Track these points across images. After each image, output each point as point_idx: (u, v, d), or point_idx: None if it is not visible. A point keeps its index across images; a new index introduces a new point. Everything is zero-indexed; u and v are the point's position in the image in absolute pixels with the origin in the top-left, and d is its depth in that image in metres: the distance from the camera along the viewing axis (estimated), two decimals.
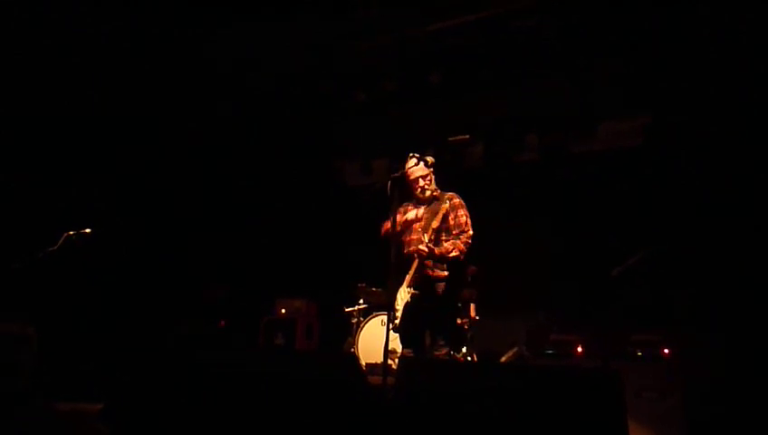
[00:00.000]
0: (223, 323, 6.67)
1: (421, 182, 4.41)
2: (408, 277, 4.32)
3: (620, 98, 5.99)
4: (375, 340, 5.79)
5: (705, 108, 5.44)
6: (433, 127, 6.60)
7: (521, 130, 6.52)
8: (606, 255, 5.88)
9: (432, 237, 4.25)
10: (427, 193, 4.40)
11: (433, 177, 4.45)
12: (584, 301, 5.99)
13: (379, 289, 6.19)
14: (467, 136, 6.54)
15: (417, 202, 4.48)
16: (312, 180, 7.53)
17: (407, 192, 4.49)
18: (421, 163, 4.41)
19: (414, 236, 4.40)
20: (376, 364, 5.50)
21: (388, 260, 3.91)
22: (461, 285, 5.16)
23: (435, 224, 4.18)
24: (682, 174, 5.66)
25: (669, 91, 5.64)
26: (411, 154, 4.36)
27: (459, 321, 5.51)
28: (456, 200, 4.33)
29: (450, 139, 6.53)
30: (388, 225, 4.20)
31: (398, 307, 4.30)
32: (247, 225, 7.35)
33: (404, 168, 4.27)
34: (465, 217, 4.33)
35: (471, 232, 4.30)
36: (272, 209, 7.43)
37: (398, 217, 4.35)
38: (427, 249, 4.20)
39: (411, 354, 4.26)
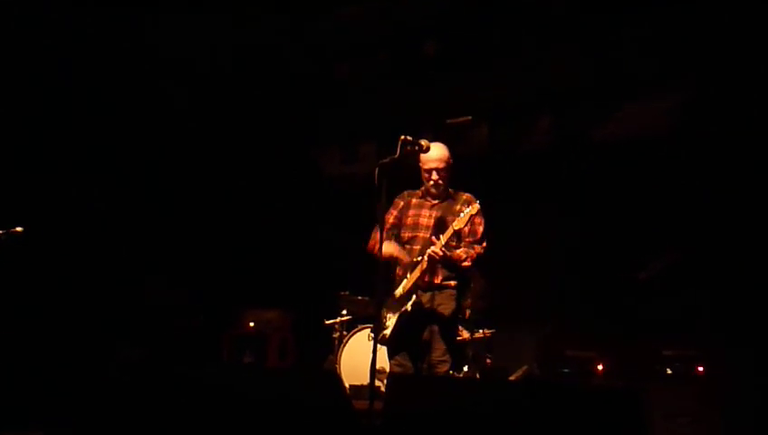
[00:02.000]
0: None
1: (436, 175, 4.43)
2: (407, 282, 4.33)
3: (649, 73, 6.06)
4: (361, 358, 5.79)
5: (749, 85, 5.47)
6: (428, 106, 6.67)
7: (532, 110, 6.59)
8: (630, 257, 6.15)
9: (452, 243, 4.30)
10: (440, 189, 4.44)
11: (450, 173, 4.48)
12: (605, 311, 6.10)
13: (366, 298, 6.27)
14: (469, 117, 6.55)
15: (425, 196, 4.51)
16: (284, 170, 7.61)
17: (408, 182, 4.56)
18: (442, 151, 4.43)
19: (419, 234, 4.43)
20: (362, 386, 5.55)
21: (376, 263, 3.92)
22: (465, 296, 5.19)
23: (457, 225, 4.19)
24: (720, 164, 5.72)
25: (708, 66, 5.67)
26: (403, 137, 4.27)
27: (461, 336, 5.55)
28: (477, 205, 4.33)
29: (449, 121, 6.53)
30: (376, 238, 4.21)
31: (389, 316, 4.34)
32: (206, 222, 7.41)
33: (399, 152, 4.18)
34: (482, 227, 4.40)
35: (486, 244, 4.38)
36: (236, 204, 7.50)
37: (398, 205, 4.41)
38: (441, 253, 4.20)
39: (400, 367, 4.31)
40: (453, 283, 4.34)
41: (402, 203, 4.53)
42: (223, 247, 7.36)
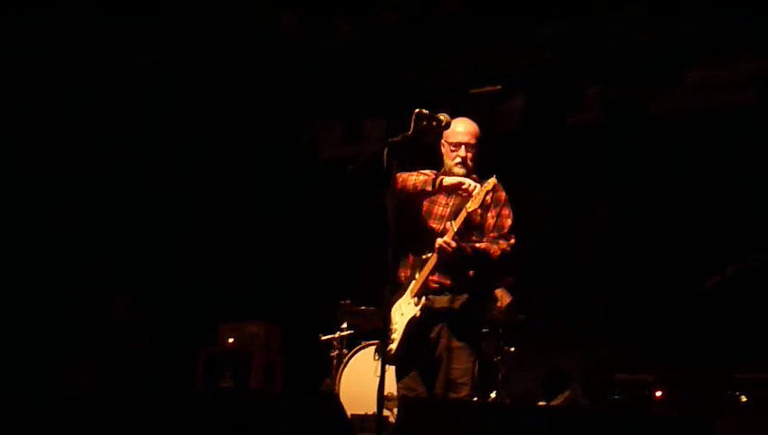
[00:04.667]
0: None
1: (464, 151, 4.46)
2: (416, 283, 4.36)
3: (721, 33, 6.16)
4: (365, 381, 5.77)
5: None
6: (450, 73, 6.75)
7: (577, 78, 6.63)
8: (696, 260, 6.23)
9: (461, 228, 4.32)
10: (468, 170, 4.46)
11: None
12: (664, 326, 6.15)
13: (371, 308, 6.24)
14: (499, 87, 6.63)
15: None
16: (272, 152, 7.75)
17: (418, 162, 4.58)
18: (472, 125, 4.49)
19: (434, 224, 4.50)
20: (366, 417, 5.58)
21: (386, 262, 3.90)
22: (489, 301, 5.33)
23: (471, 206, 4.22)
24: None
25: None
26: (418, 111, 4.30)
27: (487, 350, 5.60)
28: (503, 193, 4.41)
29: (474, 90, 6.60)
30: (407, 178, 4.35)
31: (395, 327, 4.36)
32: (177, 215, 7.54)
33: (413, 128, 4.21)
34: (510, 220, 4.46)
35: (514, 241, 4.41)
36: (214, 194, 7.63)
37: (414, 179, 4.44)
38: (454, 244, 4.25)
39: (410, 392, 4.34)
40: (470, 286, 4.39)
41: (418, 176, 4.53)
42: (198, 247, 7.49)
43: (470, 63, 6.72)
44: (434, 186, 4.34)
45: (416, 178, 4.41)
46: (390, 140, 4.03)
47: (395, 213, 4.03)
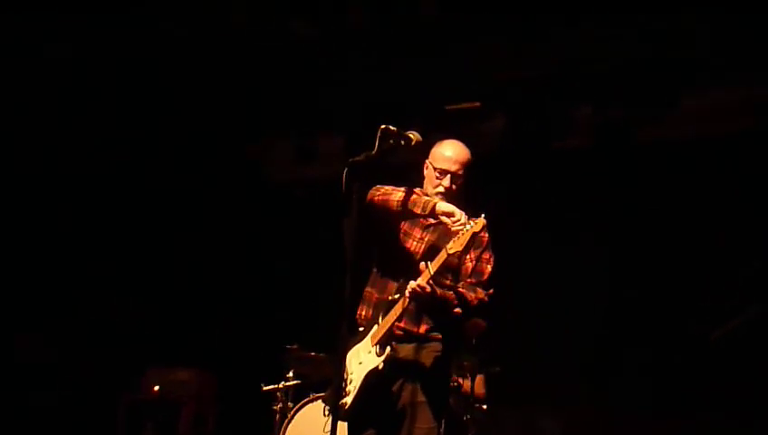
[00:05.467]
0: None
1: (448, 181, 4.36)
2: (379, 329, 4.24)
3: (722, 55, 6.16)
4: None
5: None
6: (423, 86, 6.63)
7: (566, 98, 6.56)
8: (698, 307, 6.21)
9: (446, 280, 4.26)
10: (451, 201, 4.32)
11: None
12: (658, 380, 6.12)
13: (322, 354, 6.05)
14: (477, 103, 6.55)
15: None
16: (211, 173, 7.67)
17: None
18: (463, 151, 4.40)
19: (404, 263, 4.36)
20: None
21: (342, 298, 3.76)
22: (460, 350, 5.32)
23: (453, 248, 4.07)
24: None
25: None
26: (384, 127, 4.19)
27: (456, 407, 5.51)
28: (486, 234, 4.31)
29: (450, 107, 6.54)
30: (388, 192, 4.31)
31: (351, 377, 4.29)
32: (95, 246, 7.42)
33: (378, 147, 4.13)
34: (491, 267, 4.38)
35: (493, 291, 4.35)
36: (140, 221, 7.55)
37: (400, 196, 4.33)
38: (429, 289, 4.10)
39: None
40: (440, 335, 4.30)
41: (401, 195, 4.39)
42: (119, 282, 7.41)
43: (445, 75, 6.63)
44: (424, 209, 4.22)
45: (401, 195, 4.32)
46: (351, 160, 3.92)
47: (354, 241, 3.91)
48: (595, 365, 6.32)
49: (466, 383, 5.68)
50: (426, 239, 4.41)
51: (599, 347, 6.34)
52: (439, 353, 4.29)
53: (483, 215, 4.10)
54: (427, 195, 4.39)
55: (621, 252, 6.56)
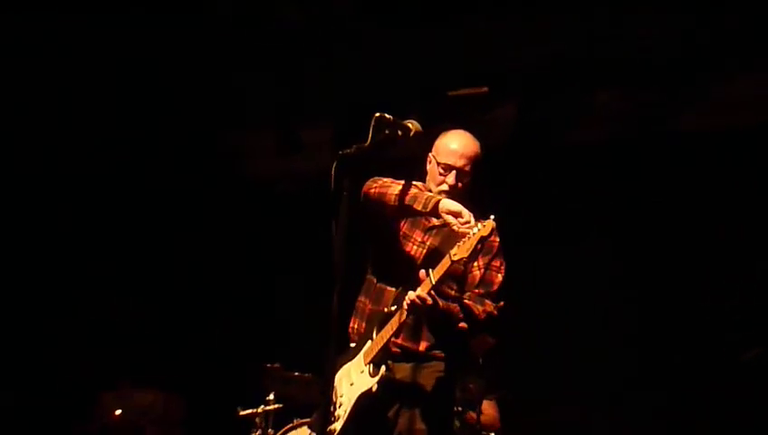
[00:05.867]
0: None
1: (453, 178, 4.23)
2: (373, 346, 4.12)
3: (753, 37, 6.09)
4: None
5: None
6: (419, 68, 6.57)
7: (583, 82, 6.46)
8: (728, 323, 6.26)
9: (450, 290, 4.17)
10: (456, 200, 4.20)
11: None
12: (688, 405, 6.11)
13: (307, 374, 5.93)
14: (485, 88, 6.41)
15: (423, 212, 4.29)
16: (181, 166, 7.55)
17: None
18: (471, 143, 4.27)
19: (401, 269, 4.25)
20: None
21: (330, 310, 3.58)
22: (464, 369, 5.14)
23: (458, 254, 3.90)
24: None
25: None
26: (379, 115, 4.02)
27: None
28: (497, 239, 4.23)
29: (453, 93, 6.42)
30: (386, 185, 4.20)
31: (340, 400, 4.21)
32: (43, 247, 7.40)
33: (371, 138, 3.96)
34: (501, 276, 4.29)
35: (503, 303, 4.26)
36: (98, 221, 7.49)
37: (400, 190, 4.19)
38: (430, 300, 3.95)
39: None
40: (442, 353, 4.22)
41: (399, 189, 4.28)
42: (73, 291, 7.34)
43: (449, 56, 6.54)
44: (425, 206, 4.05)
45: (401, 189, 4.17)
46: (341, 152, 3.81)
47: (343, 246, 3.75)
48: (615, 385, 6.29)
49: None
50: (427, 243, 4.33)
51: (620, 366, 6.33)
52: (441, 374, 4.20)
53: (492, 217, 3.95)
54: (429, 191, 4.31)
55: (652, 259, 6.52)
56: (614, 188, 6.72)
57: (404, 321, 4.04)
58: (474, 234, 3.88)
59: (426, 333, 4.20)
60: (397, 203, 4.16)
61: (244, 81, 7.23)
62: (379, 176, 4.28)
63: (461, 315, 4.13)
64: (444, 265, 3.95)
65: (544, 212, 6.66)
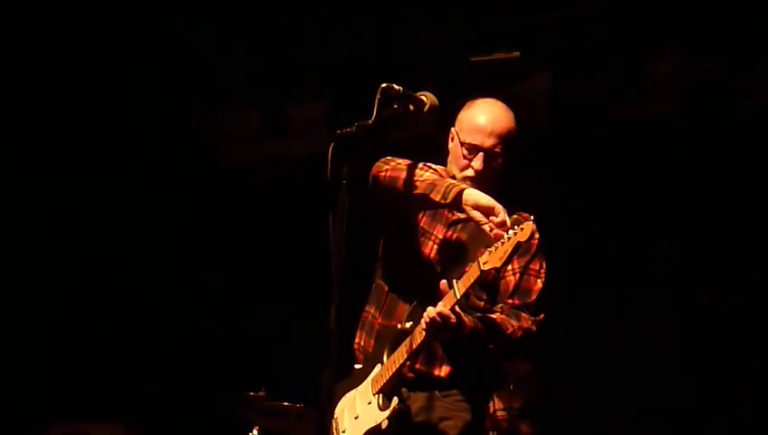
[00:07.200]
0: None
1: (480, 162, 4.06)
2: (384, 371, 4.03)
3: None
4: None
5: None
6: (434, 30, 6.63)
7: (630, 50, 6.52)
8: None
9: (479, 302, 4.06)
10: (485, 188, 4.01)
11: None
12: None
13: (299, 405, 5.94)
14: (516, 53, 6.41)
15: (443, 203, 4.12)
16: (147, 153, 7.73)
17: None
18: (504, 117, 4.11)
19: (417, 273, 4.16)
20: None
21: (327, 326, 3.46)
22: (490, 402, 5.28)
23: (489, 263, 3.73)
24: None
25: None
26: (385, 85, 3.87)
27: None
28: (532, 224, 3.87)
29: (476, 58, 6.43)
30: (397, 167, 4.06)
31: (342, 432, 4.19)
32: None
33: (376, 114, 3.80)
34: (542, 282, 4.17)
35: (543, 316, 4.15)
36: (50, 225, 7.73)
37: (418, 173, 4.05)
38: (454, 318, 3.77)
39: None
40: (467, 381, 4.12)
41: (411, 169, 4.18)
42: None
43: (470, 17, 6.54)
44: (445, 196, 3.86)
45: (417, 174, 4.02)
46: (339, 132, 3.72)
47: (343, 246, 3.64)
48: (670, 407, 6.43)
49: None
50: (454, 238, 4.20)
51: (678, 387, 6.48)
52: (466, 405, 4.07)
53: (532, 218, 3.80)
54: (453, 177, 4.17)
55: (720, 259, 6.63)
56: (676, 175, 6.68)
57: (422, 343, 3.90)
58: (508, 238, 3.70)
59: (449, 356, 4.09)
60: (411, 191, 4.03)
61: (225, 50, 7.31)
62: (392, 157, 4.18)
63: (491, 335, 4.00)
64: (471, 275, 3.80)
65: (589, 202, 6.74)
